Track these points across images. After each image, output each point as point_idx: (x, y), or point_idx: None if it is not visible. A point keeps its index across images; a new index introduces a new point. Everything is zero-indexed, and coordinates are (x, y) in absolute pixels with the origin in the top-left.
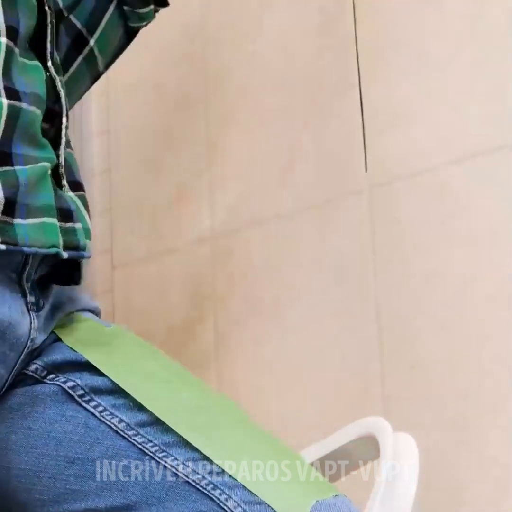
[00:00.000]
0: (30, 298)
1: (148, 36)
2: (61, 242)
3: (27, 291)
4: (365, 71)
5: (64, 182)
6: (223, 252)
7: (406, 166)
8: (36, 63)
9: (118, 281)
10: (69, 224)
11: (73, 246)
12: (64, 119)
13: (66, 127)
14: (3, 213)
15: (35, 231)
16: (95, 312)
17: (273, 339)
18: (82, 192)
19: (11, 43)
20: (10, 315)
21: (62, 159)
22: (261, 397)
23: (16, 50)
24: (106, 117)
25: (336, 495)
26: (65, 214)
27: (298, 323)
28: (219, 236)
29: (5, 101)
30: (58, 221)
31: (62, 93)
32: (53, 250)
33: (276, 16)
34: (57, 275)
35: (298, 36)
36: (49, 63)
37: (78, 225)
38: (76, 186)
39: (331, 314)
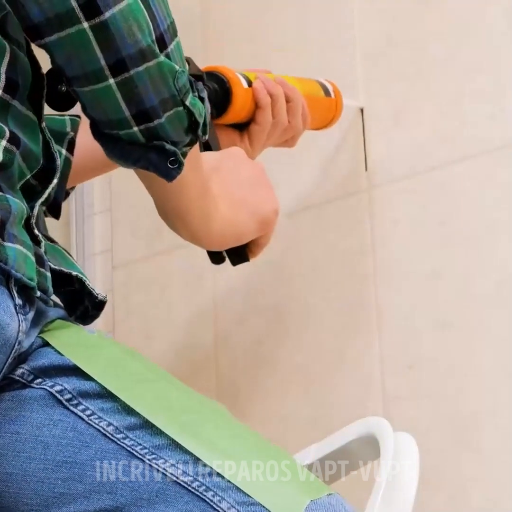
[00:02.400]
0: (18, 301)
1: None
2: (36, 280)
3: (15, 293)
4: (365, 71)
5: (36, 232)
6: None
7: (406, 166)
8: (35, 120)
9: (118, 281)
10: (42, 270)
11: (43, 288)
12: (54, 180)
13: (53, 188)
14: None
15: (21, 258)
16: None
17: (273, 339)
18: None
19: (7, 97)
20: None
21: (36, 211)
22: (261, 397)
23: (14, 103)
24: None
25: (329, 494)
26: (39, 260)
27: (298, 323)
28: None
29: (4, 143)
30: (35, 262)
31: (56, 155)
32: (32, 283)
33: (276, 16)
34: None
35: (298, 36)
36: (43, 124)
37: (48, 274)
38: (51, 239)
39: (331, 314)
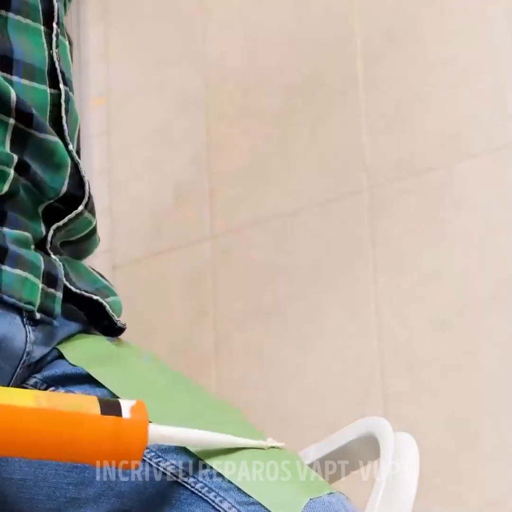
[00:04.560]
0: (25, 312)
1: (148, 36)
2: (38, 303)
3: (23, 305)
4: (365, 71)
5: (52, 255)
6: (223, 252)
7: (406, 166)
8: (59, 141)
9: (118, 281)
10: (51, 290)
11: (47, 311)
12: (81, 207)
13: (77, 214)
14: None
15: (19, 283)
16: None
17: (273, 339)
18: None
19: (21, 125)
20: (5, 329)
21: (51, 233)
22: (261, 397)
23: (32, 132)
24: (106, 117)
25: (330, 493)
26: (51, 280)
27: (298, 323)
28: (219, 236)
29: (12, 173)
30: (42, 283)
31: (86, 179)
32: (29, 307)
33: (277, 16)
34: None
35: (299, 36)
36: (70, 147)
37: (59, 294)
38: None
39: (331, 314)
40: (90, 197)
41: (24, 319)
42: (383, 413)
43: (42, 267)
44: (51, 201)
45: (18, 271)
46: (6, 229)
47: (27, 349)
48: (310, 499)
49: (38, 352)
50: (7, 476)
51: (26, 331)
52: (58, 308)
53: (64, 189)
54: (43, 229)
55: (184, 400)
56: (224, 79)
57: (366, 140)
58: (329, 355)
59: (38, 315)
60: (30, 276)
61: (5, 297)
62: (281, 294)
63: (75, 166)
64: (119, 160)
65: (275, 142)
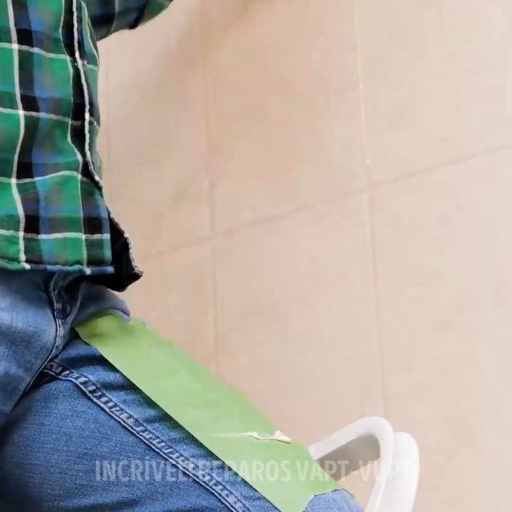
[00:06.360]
0: (57, 306)
1: (148, 36)
2: (85, 257)
3: (54, 299)
4: (365, 71)
5: (96, 178)
6: (223, 252)
7: (406, 166)
8: (63, 57)
9: None
10: (96, 236)
11: (96, 261)
12: (86, 115)
13: (90, 123)
14: (27, 230)
15: (59, 247)
16: (124, 311)
17: (273, 339)
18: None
19: (25, 47)
20: (36, 325)
21: (89, 157)
22: (261, 397)
23: (36, 51)
24: (106, 117)
25: (335, 490)
26: (94, 225)
27: (298, 323)
28: (219, 236)
29: (22, 113)
30: (84, 233)
31: (85, 87)
32: (76, 267)
33: (277, 16)
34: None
35: (298, 36)
36: (77, 54)
37: (105, 236)
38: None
39: (331, 314)
40: (91, 103)
41: (55, 313)
42: (383, 413)
43: (81, 214)
44: (69, 120)
45: (55, 235)
46: (37, 178)
47: (56, 344)
48: (315, 495)
49: (62, 343)
50: (19, 461)
51: (56, 325)
52: (108, 253)
53: (72, 99)
54: (78, 156)
55: (198, 387)
56: (224, 79)
57: (366, 140)
58: (328, 355)
59: (88, 271)
60: (70, 234)
61: (49, 267)
62: (281, 294)
63: (77, 75)
64: (118, 160)
65: (275, 142)
